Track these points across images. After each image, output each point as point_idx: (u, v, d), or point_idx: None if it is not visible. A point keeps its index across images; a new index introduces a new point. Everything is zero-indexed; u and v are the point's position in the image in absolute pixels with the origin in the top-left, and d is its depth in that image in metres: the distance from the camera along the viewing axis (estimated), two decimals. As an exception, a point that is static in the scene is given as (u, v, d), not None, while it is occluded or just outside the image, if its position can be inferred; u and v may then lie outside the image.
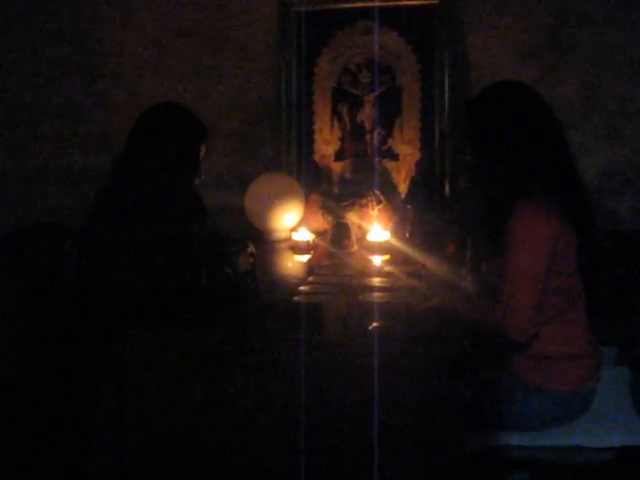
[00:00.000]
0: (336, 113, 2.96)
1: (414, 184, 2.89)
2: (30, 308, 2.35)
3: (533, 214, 1.80)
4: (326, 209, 2.79)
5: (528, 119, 1.88)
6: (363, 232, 2.64)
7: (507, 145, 1.87)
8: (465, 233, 2.35)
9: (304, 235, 2.60)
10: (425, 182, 2.87)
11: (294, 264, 2.53)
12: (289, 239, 2.69)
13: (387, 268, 2.35)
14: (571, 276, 1.89)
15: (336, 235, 2.64)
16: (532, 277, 1.78)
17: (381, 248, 2.47)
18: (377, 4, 2.81)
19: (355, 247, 2.60)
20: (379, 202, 2.72)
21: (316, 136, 2.99)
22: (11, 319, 2.50)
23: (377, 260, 2.43)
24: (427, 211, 2.66)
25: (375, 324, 1.81)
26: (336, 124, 2.96)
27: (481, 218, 2.04)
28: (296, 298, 2.05)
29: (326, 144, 2.98)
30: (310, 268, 2.39)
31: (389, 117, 2.90)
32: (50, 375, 2.21)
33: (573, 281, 1.90)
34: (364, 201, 2.74)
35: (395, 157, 2.91)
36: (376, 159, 2.90)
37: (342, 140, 2.96)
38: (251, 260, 2.27)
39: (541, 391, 1.87)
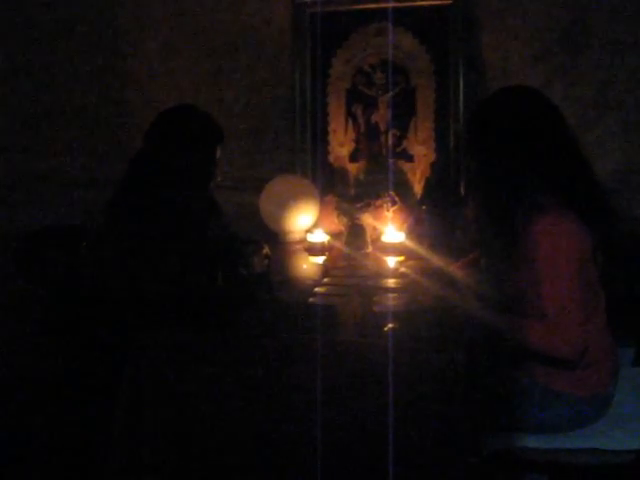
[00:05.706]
0: (350, 114, 2.96)
1: (429, 185, 2.88)
2: (47, 310, 2.36)
3: (556, 229, 1.74)
4: (341, 210, 2.79)
5: (537, 124, 1.82)
6: (378, 233, 2.63)
7: (517, 151, 1.81)
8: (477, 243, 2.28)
9: (319, 236, 2.60)
10: (440, 183, 2.87)
11: (309, 265, 2.54)
12: (304, 240, 2.70)
13: (402, 269, 2.35)
14: (594, 283, 1.86)
15: (351, 236, 2.64)
16: (572, 293, 1.73)
17: (396, 249, 2.47)
18: (391, 5, 2.80)
19: (370, 248, 2.60)
20: (394, 203, 2.72)
21: (330, 137, 2.99)
22: (28, 321, 2.52)
23: (392, 261, 2.43)
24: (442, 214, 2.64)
25: (390, 325, 1.81)
26: (350, 125, 2.96)
27: (489, 228, 1.95)
28: (311, 299, 2.05)
29: (341, 145, 2.98)
30: (325, 269, 2.39)
31: (403, 118, 2.89)
32: (66, 377, 2.23)
33: (596, 288, 1.87)
34: (379, 202, 2.74)
35: (410, 158, 2.90)
36: (391, 160, 2.90)
37: (357, 141, 2.96)
38: (266, 261, 2.26)
39: (559, 395, 1.84)
